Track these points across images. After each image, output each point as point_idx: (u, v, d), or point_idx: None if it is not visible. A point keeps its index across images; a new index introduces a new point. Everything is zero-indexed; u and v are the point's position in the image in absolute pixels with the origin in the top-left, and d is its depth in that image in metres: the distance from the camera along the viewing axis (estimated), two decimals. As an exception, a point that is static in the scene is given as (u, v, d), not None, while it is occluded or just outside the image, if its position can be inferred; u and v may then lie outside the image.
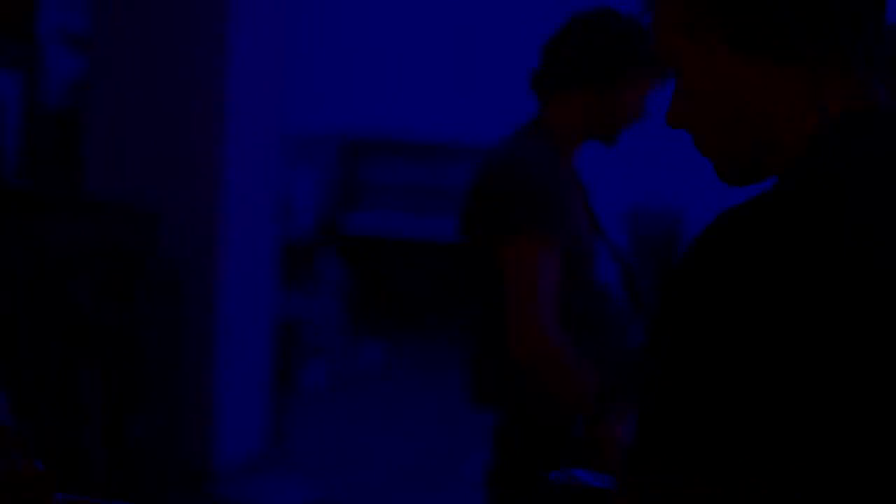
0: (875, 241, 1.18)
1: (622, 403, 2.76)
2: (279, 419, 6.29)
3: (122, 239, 4.87)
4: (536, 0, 9.64)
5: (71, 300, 4.46)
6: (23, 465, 1.63)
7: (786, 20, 1.28)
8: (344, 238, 9.50)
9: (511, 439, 2.86)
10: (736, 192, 1.39)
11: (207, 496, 5.52)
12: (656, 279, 7.85)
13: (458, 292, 9.93)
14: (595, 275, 2.82)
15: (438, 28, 9.72)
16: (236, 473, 5.79)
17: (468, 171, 10.60)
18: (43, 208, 4.86)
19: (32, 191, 4.78)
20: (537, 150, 2.80)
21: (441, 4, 9.72)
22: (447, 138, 9.75)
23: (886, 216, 1.20)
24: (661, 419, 1.17)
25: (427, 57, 9.78)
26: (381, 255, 9.71)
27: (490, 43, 9.65)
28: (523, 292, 2.66)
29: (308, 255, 8.36)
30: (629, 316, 2.89)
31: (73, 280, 4.49)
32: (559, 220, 2.71)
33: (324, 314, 8.01)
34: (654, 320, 1.22)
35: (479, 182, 2.82)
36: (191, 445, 5.54)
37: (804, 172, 1.25)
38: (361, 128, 9.93)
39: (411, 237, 9.64)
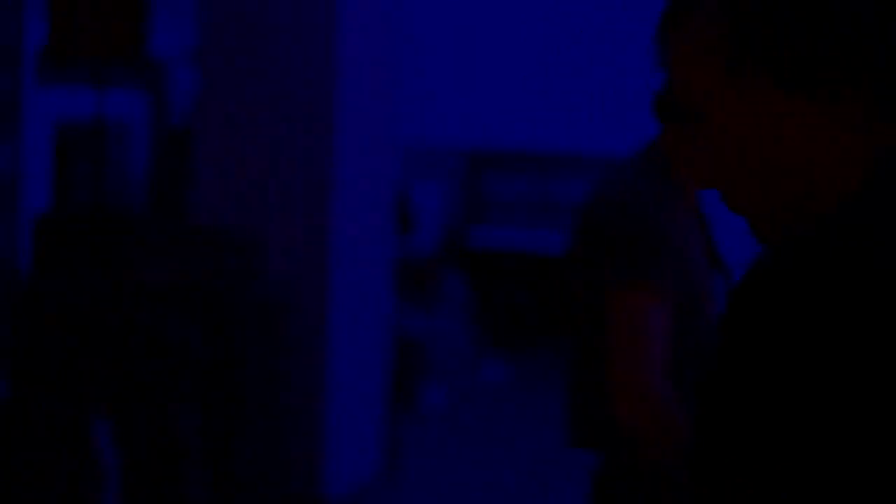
0: None
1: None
2: (395, 443, 6.15)
3: (226, 266, 4.77)
4: (647, 11, 9.44)
5: (171, 333, 4.36)
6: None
7: (843, 52, 1.14)
8: (468, 253, 9.37)
9: (609, 486, 2.69)
10: None
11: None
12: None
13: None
14: (710, 316, 2.62)
15: (563, 40, 9.57)
16: (348, 502, 5.66)
17: (589, 183, 10.50)
18: (144, 237, 4.78)
19: (134, 218, 4.71)
20: (653, 184, 2.59)
21: (565, 17, 9.55)
22: (572, 150, 9.57)
23: None
24: None
25: (551, 68, 9.63)
26: (506, 270, 9.55)
27: (614, 54, 9.47)
28: (629, 345, 2.50)
29: (432, 270, 8.23)
30: None
31: (173, 312, 4.40)
32: (671, 266, 2.52)
33: (446, 332, 7.87)
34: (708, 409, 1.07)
35: (590, 214, 2.63)
36: (300, 475, 5.43)
37: (848, 225, 1.09)
38: (486, 140, 9.81)
39: (536, 251, 9.47)
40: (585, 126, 9.56)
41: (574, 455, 6.67)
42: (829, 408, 1.01)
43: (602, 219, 2.57)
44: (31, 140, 5.49)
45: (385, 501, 5.72)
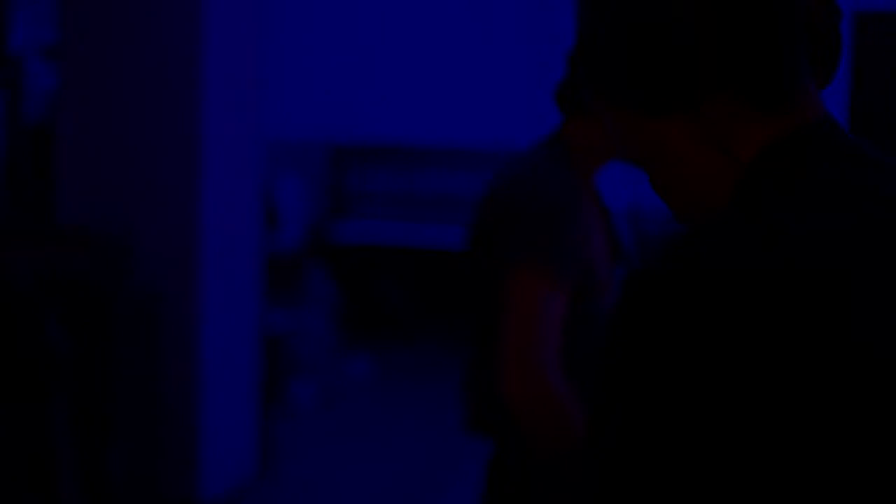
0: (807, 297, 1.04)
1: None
2: (267, 441, 6.10)
3: (93, 266, 4.68)
4: (517, 3, 9.50)
5: (38, 333, 4.26)
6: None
7: (674, 72, 1.16)
8: (332, 247, 9.32)
9: (504, 473, 2.69)
10: None
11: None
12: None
13: (449, 301, 9.77)
14: (607, 307, 2.63)
15: (426, 32, 9.56)
16: (224, 502, 5.60)
17: (459, 175, 10.49)
18: (7, 238, 4.66)
19: None
20: (555, 172, 2.60)
21: (428, 9, 9.56)
22: (436, 142, 9.58)
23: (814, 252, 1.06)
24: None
25: (414, 61, 9.63)
26: (370, 265, 9.52)
27: (476, 46, 9.51)
28: (523, 323, 2.48)
29: (296, 266, 8.17)
30: None
31: (40, 312, 4.30)
32: (571, 251, 2.52)
33: (311, 327, 7.82)
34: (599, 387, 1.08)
35: (491, 200, 2.63)
36: (174, 476, 5.35)
37: (721, 225, 1.11)
38: (349, 133, 9.76)
39: (400, 245, 9.46)
40: (449, 118, 9.58)
41: (455, 445, 6.70)
42: (710, 400, 1.02)
43: (507, 204, 2.57)
44: None
45: (261, 501, 5.67)
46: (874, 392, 1.04)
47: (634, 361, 1.04)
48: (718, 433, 1.02)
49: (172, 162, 5.45)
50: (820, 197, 1.12)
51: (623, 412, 1.04)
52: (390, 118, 9.69)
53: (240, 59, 5.76)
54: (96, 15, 5.49)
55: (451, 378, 8.22)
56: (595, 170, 2.69)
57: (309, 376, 7.60)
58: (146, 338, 5.03)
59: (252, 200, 5.93)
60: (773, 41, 1.16)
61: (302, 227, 8.84)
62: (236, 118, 5.76)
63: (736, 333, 1.02)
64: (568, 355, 2.59)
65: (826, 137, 1.17)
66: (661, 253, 1.09)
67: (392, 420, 7.31)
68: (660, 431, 1.03)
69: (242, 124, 5.84)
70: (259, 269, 6.02)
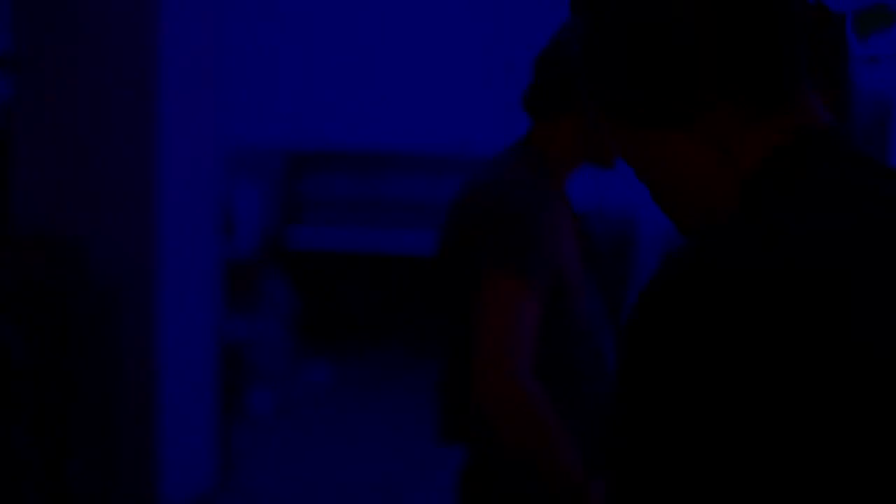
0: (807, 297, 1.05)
1: (600, 454, 2.58)
2: (227, 449, 6.05)
3: (50, 273, 4.62)
4: (473, 8, 9.51)
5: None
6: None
7: (642, 90, 1.18)
8: (288, 254, 9.28)
9: (479, 481, 2.67)
10: None
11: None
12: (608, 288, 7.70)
13: (407, 307, 9.75)
14: (580, 311, 2.62)
15: (384, 37, 9.55)
16: (181, 511, 5.55)
17: (416, 180, 10.47)
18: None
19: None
20: (527, 177, 2.59)
21: (386, 14, 9.54)
22: (392, 148, 9.57)
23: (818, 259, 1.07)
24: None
25: (371, 66, 9.61)
26: (328, 271, 9.49)
27: (431, 52, 9.51)
28: (497, 334, 2.46)
29: (252, 273, 8.12)
30: (612, 355, 2.70)
31: None
32: (544, 257, 2.51)
33: (269, 335, 7.78)
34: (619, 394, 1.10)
35: (462, 206, 2.61)
36: (133, 484, 5.29)
37: (728, 232, 1.12)
38: (304, 140, 9.72)
39: (358, 251, 9.43)
40: (406, 123, 9.57)
41: (417, 452, 6.68)
42: (716, 402, 1.03)
43: (478, 210, 2.55)
44: None
45: (218, 510, 5.64)
46: (874, 392, 1.05)
47: (646, 366, 1.05)
48: (725, 432, 1.03)
49: (129, 169, 5.40)
50: (820, 198, 1.12)
51: (637, 413, 1.06)
52: (346, 123, 9.67)
53: (196, 64, 5.72)
54: (51, 23, 5.43)
55: (410, 384, 8.20)
56: (566, 175, 2.68)
57: (267, 384, 7.56)
58: (104, 346, 4.98)
59: (209, 207, 5.89)
60: (774, 46, 1.17)
61: (258, 233, 8.79)
62: (193, 124, 5.72)
63: (739, 334, 1.03)
64: (542, 360, 2.58)
65: (826, 141, 1.17)
66: (670, 259, 1.09)
67: (351, 427, 7.28)
68: (671, 431, 1.04)
69: (200, 130, 5.79)
70: (217, 277, 5.98)
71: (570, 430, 2.55)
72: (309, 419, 7.46)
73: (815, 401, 1.03)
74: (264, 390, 7.48)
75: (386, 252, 9.30)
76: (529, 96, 2.66)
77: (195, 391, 5.75)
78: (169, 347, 5.46)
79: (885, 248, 1.11)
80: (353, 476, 6.32)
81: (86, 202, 5.39)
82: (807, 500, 1.03)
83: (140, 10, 5.36)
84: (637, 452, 1.06)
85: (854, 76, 1.30)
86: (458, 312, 2.63)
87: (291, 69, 9.56)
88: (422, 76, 9.54)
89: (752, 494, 1.04)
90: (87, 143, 5.40)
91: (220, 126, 5.91)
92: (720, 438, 1.03)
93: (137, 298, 5.34)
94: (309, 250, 9.43)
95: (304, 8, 9.57)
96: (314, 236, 9.47)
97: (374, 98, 9.59)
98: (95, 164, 5.40)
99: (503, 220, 2.51)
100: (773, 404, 1.03)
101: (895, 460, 1.05)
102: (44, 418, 4.45)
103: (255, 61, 9.28)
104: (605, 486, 1.10)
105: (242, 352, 7.18)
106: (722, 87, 1.16)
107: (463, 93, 9.47)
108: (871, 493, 1.05)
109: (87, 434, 4.72)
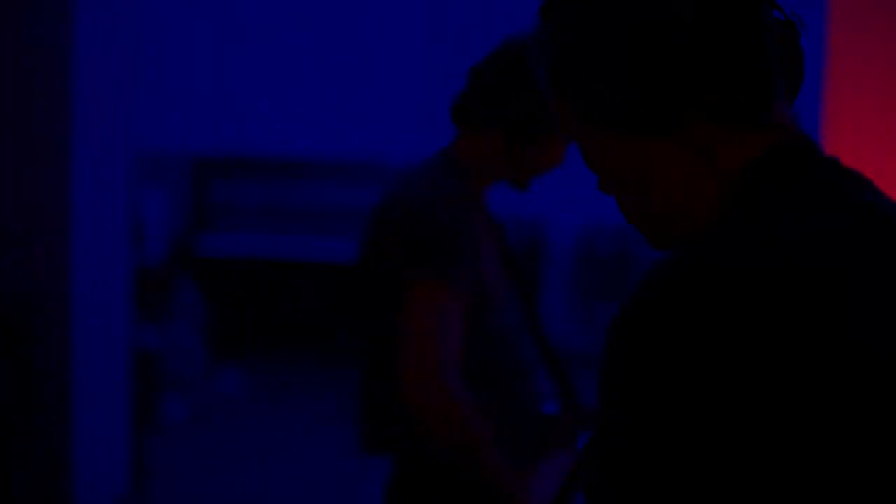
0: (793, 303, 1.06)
1: (527, 458, 2.60)
2: (140, 456, 5.99)
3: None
4: (387, 17, 9.49)
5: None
6: None
7: (639, 94, 1.17)
8: (199, 261, 9.19)
9: (406, 491, 2.66)
10: None
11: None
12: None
13: (320, 315, 9.68)
14: (501, 319, 2.63)
15: (292, 47, 9.50)
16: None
17: (327, 187, 10.38)
18: None
19: None
20: (449, 186, 2.59)
21: (296, 18, 9.50)
22: (304, 155, 9.53)
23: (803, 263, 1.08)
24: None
25: (280, 75, 9.56)
26: (240, 278, 9.41)
27: (343, 60, 9.49)
28: (424, 340, 2.47)
29: (162, 280, 8.03)
30: (533, 364, 2.71)
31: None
32: (467, 264, 2.52)
33: (180, 342, 7.70)
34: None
35: (385, 212, 2.61)
36: (46, 494, 5.21)
37: (714, 238, 1.13)
38: (215, 146, 9.64)
39: (269, 258, 9.38)
40: (317, 131, 9.53)
41: (331, 460, 6.65)
42: (716, 401, 1.03)
43: (400, 218, 2.55)
44: None
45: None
46: (874, 391, 1.05)
47: (647, 367, 1.05)
48: (725, 431, 1.03)
49: (41, 175, 5.32)
50: (814, 201, 1.13)
51: (640, 415, 1.05)
52: (258, 129, 9.61)
53: (110, 69, 5.65)
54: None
55: (323, 392, 8.17)
56: (487, 185, 2.69)
57: (180, 392, 7.48)
58: (16, 354, 4.90)
59: (121, 214, 5.82)
60: (758, 61, 1.18)
61: (167, 241, 8.70)
62: (105, 129, 5.64)
63: (740, 334, 1.03)
64: (467, 366, 2.58)
65: (806, 151, 1.19)
66: (667, 262, 1.09)
67: (265, 435, 7.24)
68: (669, 431, 1.04)
69: (112, 136, 5.72)
70: (129, 284, 5.91)
71: (497, 433, 2.56)
72: (222, 426, 7.40)
73: (817, 400, 1.04)
74: (177, 398, 7.41)
75: (298, 259, 9.26)
76: (460, 106, 2.67)
77: (108, 400, 5.68)
78: (82, 356, 5.38)
79: (882, 250, 1.13)
80: (268, 485, 6.28)
81: (-3, 207, 5.30)
82: (809, 500, 1.04)
83: (54, 13, 5.28)
84: (642, 453, 1.05)
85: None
86: (380, 320, 2.62)
87: (202, 74, 9.48)
88: (334, 84, 9.51)
89: (754, 494, 1.03)
90: (-2, 148, 5.31)
91: (131, 130, 5.85)
92: (725, 434, 1.03)
93: (49, 307, 5.25)
94: (220, 257, 9.35)
95: (216, 12, 9.50)
96: (225, 243, 9.39)
97: (285, 104, 9.54)
98: (8, 171, 5.32)
99: (426, 228, 2.51)
100: (775, 402, 1.03)
101: (895, 459, 1.06)
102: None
103: (165, 65, 9.19)
104: (595, 489, 1.08)
105: (155, 360, 7.11)
106: (710, 96, 1.17)
107: (375, 101, 9.46)
108: (870, 493, 1.05)
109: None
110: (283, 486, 6.23)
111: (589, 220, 9.09)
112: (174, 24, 9.30)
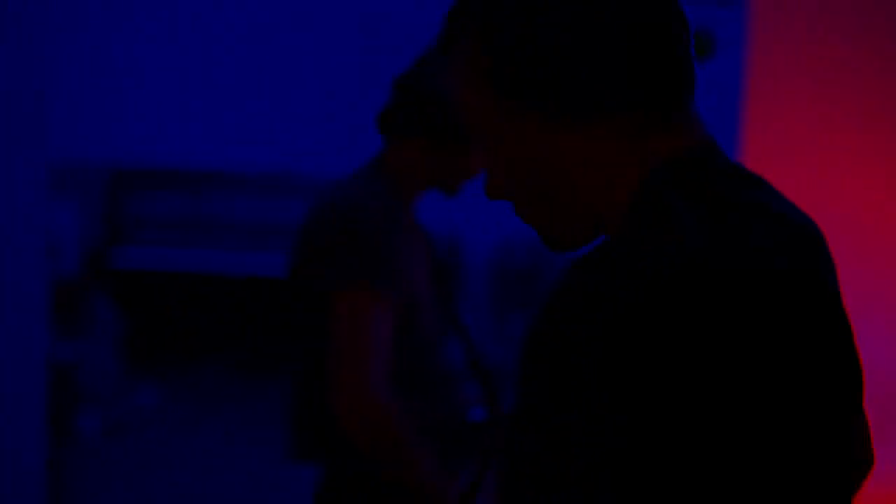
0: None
1: (454, 465, 2.62)
2: (56, 471, 5.91)
3: None
4: (308, 30, 9.49)
5: None
6: None
7: (586, 77, 1.18)
8: (114, 274, 9.09)
9: (334, 501, 2.66)
10: None
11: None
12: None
13: (237, 327, 9.60)
14: (428, 328, 2.65)
15: (209, 58, 9.45)
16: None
17: (244, 200, 10.30)
18: None
19: None
20: (377, 196, 2.60)
21: (213, 34, 9.45)
22: (218, 168, 9.47)
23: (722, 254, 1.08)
24: None
25: (196, 86, 9.49)
26: (156, 291, 9.33)
27: (262, 72, 9.45)
28: (353, 350, 2.48)
29: (76, 293, 7.94)
30: (460, 373, 2.73)
31: None
32: (395, 273, 2.53)
33: (96, 356, 7.62)
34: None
35: (313, 223, 2.61)
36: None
37: (631, 224, 1.15)
38: (129, 158, 9.55)
39: (186, 270, 9.31)
40: (232, 143, 9.48)
41: (250, 472, 6.61)
42: (713, 399, 1.03)
43: (329, 229, 2.56)
44: None
45: (50, 535, 5.49)
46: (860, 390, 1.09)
47: (648, 368, 1.04)
48: (732, 427, 1.03)
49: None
50: (744, 204, 1.14)
51: (631, 414, 1.04)
52: (173, 141, 9.53)
53: (22, 78, 5.58)
54: None
55: (240, 404, 8.12)
56: (415, 196, 2.70)
57: (95, 406, 7.40)
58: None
59: (36, 225, 5.74)
60: (678, 63, 1.20)
61: (81, 253, 8.60)
62: (20, 139, 5.57)
63: (740, 334, 1.04)
64: (395, 374, 2.59)
65: (716, 151, 1.21)
66: (631, 261, 1.08)
67: (182, 449, 7.18)
68: (670, 431, 1.03)
69: (26, 145, 5.65)
70: (44, 298, 5.83)
71: (424, 440, 2.57)
72: (139, 440, 7.33)
73: (818, 400, 1.05)
74: (93, 413, 7.33)
75: (214, 272, 9.20)
76: (385, 117, 2.68)
77: (23, 414, 5.60)
78: (-4, 369, 5.30)
79: (813, 251, 1.15)
80: (185, 498, 6.23)
81: None
82: (811, 500, 1.05)
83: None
84: (642, 453, 1.04)
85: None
86: (309, 331, 2.62)
87: (116, 85, 9.39)
88: (251, 96, 9.47)
89: (753, 494, 1.04)
90: None
91: (45, 141, 5.78)
92: (732, 430, 1.03)
93: (-37, 319, 5.17)
94: (135, 270, 9.26)
95: (133, 22, 9.42)
96: (140, 256, 9.30)
97: (201, 116, 9.48)
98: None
99: (356, 238, 2.52)
100: (777, 402, 1.04)
101: None
102: None
103: (80, 75, 9.09)
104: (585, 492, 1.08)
105: (70, 374, 7.02)
106: (631, 100, 1.19)
107: (293, 113, 9.43)
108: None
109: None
110: (200, 499, 6.19)
111: (502, 236, 9.15)
112: (89, 34, 9.21)
